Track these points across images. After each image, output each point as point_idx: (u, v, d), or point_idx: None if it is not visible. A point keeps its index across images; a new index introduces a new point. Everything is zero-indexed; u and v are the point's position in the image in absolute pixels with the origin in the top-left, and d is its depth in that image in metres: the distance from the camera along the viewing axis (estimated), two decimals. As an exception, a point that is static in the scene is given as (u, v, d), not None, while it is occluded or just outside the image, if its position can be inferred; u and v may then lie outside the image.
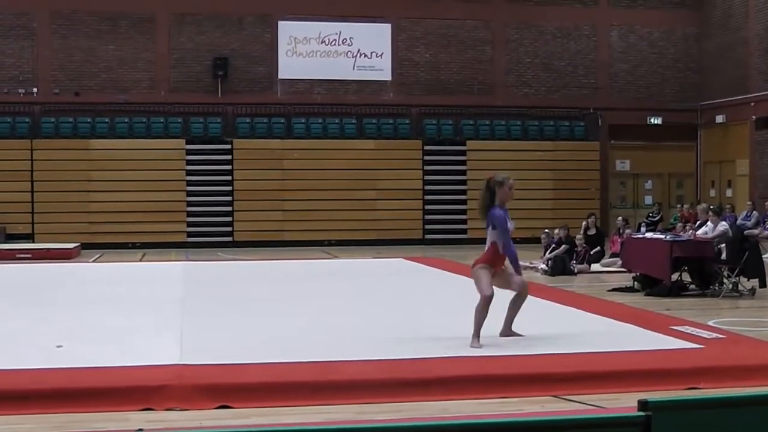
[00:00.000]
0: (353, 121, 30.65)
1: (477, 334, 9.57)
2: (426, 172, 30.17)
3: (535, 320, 11.54)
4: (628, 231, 20.32)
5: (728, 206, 26.20)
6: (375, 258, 23.62)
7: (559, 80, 32.13)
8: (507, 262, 10.03)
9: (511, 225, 10.07)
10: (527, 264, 20.20)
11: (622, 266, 18.04)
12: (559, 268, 18.83)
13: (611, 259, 20.03)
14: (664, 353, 9.14)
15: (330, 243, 28.91)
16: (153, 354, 8.96)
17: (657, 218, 27.83)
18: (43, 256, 23.41)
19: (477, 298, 9.72)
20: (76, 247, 25.22)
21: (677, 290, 14.99)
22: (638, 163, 32.76)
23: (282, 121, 30.29)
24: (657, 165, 32.79)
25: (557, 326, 11.05)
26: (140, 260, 23.77)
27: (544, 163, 30.54)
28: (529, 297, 14.15)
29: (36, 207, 28.19)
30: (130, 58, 29.83)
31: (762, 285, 14.71)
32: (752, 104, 29.70)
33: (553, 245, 19.64)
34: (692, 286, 15.31)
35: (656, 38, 32.77)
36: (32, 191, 28.17)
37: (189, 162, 28.99)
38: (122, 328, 10.74)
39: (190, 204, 28.90)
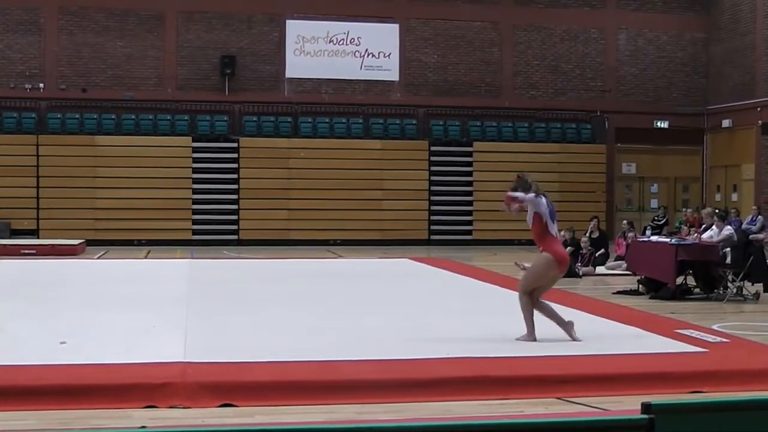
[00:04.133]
0: (360, 121, 30.67)
1: None
2: (432, 173, 30.18)
3: (540, 322, 11.56)
4: (630, 235, 20.31)
5: (733, 210, 26.19)
6: (380, 258, 23.63)
7: (566, 83, 32.12)
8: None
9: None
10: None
11: (627, 269, 18.04)
12: (564, 270, 18.78)
13: (616, 262, 20.02)
14: (668, 356, 9.14)
15: (335, 242, 28.92)
16: (157, 351, 8.97)
17: (662, 222, 27.82)
18: (48, 252, 23.43)
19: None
20: (81, 243, 25.25)
21: (682, 294, 14.99)
22: (644, 167, 32.75)
23: (289, 120, 30.31)
24: (663, 168, 32.79)
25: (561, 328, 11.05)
26: (145, 257, 23.79)
27: (551, 165, 30.51)
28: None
29: (41, 203, 28.23)
30: (138, 54, 29.88)
31: (766, 289, 14.70)
32: (758, 109, 29.67)
33: (559, 247, 19.59)
34: (697, 290, 15.30)
35: (664, 42, 32.76)
36: (38, 187, 28.21)
37: (195, 160, 29.02)
38: (126, 326, 10.75)
39: (195, 202, 28.93)
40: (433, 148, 30.36)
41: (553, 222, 9.99)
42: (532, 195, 9.94)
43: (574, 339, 9.88)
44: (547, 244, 9.90)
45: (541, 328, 10.01)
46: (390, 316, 12.13)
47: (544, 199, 9.96)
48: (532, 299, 10.05)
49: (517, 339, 9.91)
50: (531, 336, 9.92)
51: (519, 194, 10.01)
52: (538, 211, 9.90)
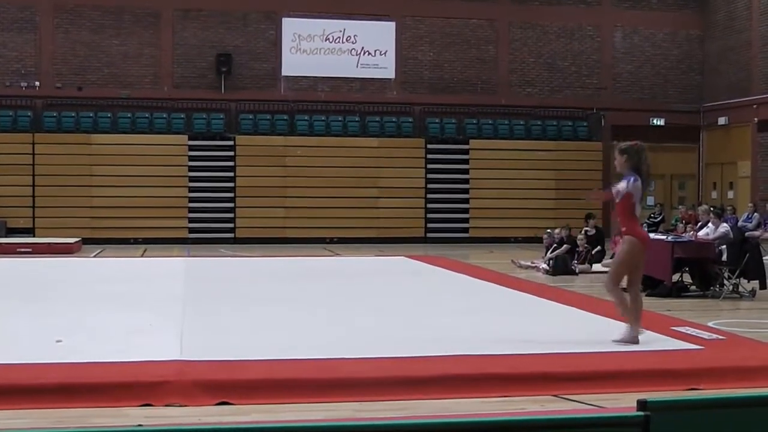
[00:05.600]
0: (356, 119, 30.67)
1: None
2: (428, 171, 30.19)
3: (537, 320, 11.57)
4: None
5: (729, 208, 26.20)
6: (377, 256, 23.63)
7: (562, 80, 32.14)
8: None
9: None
10: (529, 263, 20.25)
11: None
12: (560, 267, 18.83)
13: (612, 260, 19.99)
14: (665, 354, 9.15)
15: (332, 240, 28.93)
16: (153, 350, 8.95)
17: (659, 219, 27.82)
18: (44, 250, 23.40)
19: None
20: (77, 241, 25.23)
21: (678, 291, 15.00)
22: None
23: (285, 117, 30.30)
24: (659, 166, 32.67)
25: (558, 326, 11.06)
26: (141, 256, 23.78)
27: (547, 162, 30.55)
28: (530, 296, 14.21)
29: (37, 201, 28.21)
30: (134, 53, 29.86)
31: (762, 287, 14.71)
32: (755, 106, 29.70)
33: (555, 245, 19.65)
34: (693, 287, 15.32)
35: (659, 39, 32.78)
36: (33, 185, 28.19)
37: (191, 158, 29.00)
38: (122, 324, 10.72)
39: (192, 200, 28.92)
40: (429, 146, 30.36)
41: (639, 203, 9.87)
42: (630, 180, 9.63)
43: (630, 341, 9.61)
44: (631, 225, 9.72)
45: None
46: (387, 314, 12.13)
47: (639, 182, 9.70)
48: (630, 290, 9.88)
49: (616, 341, 9.57)
50: (635, 332, 9.59)
51: (619, 187, 9.67)
52: (632, 193, 9.74)
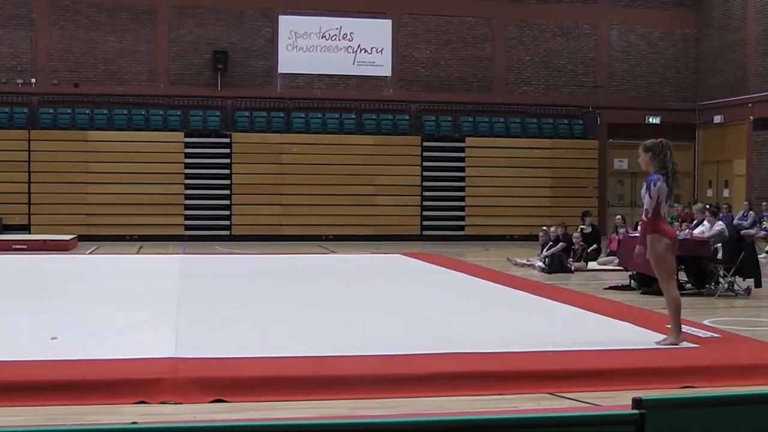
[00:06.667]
0: (353, 117, 30.65)
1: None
2: (424, 169, 30.18)
3: (532, 317, 11.58)
4: (622, 231, 20.34)
5: (725, 206, 26.23)
6: (372, 254, 23.62)
7: (558, 78, 32.14)
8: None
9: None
10: (525, 261, 20.25)
11: (618, 264, 18.05)
12: (556, 265, 18.83)
13: (608, 258, 20.04)
14: (660, 352, 9.15)
15: (328, 238, 28.90)
16: (148, 347, 8.94)
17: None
18: (40, 247, 23.36)
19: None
20: (72, 238, 25.19)
21: (673, 289, 14.99)
22: (636, 162, 32.52)
23: (281, 115, 30.28)
24: (655, 164, 32.75)
25: (553, 324, 11.06)
26: (137, 253, 23.75)
27: (543, 160, 30.55)
28: (526, 294, 14.20)
29: (33, 198, 28.16)
30: (130, 49, 29.81)
31: (757, 285, 14.75)
32: (750, 105, 29.73)
33: (551, 243, 19.65)
34: (688, 286, 15.32)
35: (655, 38, 32.80)
36: (29, 182, 28.14)
37: (187, 155, 28.97)
38: (117, 321, 10.70)
39: (187, 197, 28.89)
40: (425, 144, 30.35)
41: (666, 203, 9.78)
42: (652, 184, 9.63)
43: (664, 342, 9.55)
44: (657, 224, 9.67)
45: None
46: (382, 312, 12.12)
47: (662, 182, 9.66)
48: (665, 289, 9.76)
49: (658, 342, 9.55)
50: (677, 338, 9.53)
51: (646, 206, 9.72)
52: (657, 195, 9.65)
